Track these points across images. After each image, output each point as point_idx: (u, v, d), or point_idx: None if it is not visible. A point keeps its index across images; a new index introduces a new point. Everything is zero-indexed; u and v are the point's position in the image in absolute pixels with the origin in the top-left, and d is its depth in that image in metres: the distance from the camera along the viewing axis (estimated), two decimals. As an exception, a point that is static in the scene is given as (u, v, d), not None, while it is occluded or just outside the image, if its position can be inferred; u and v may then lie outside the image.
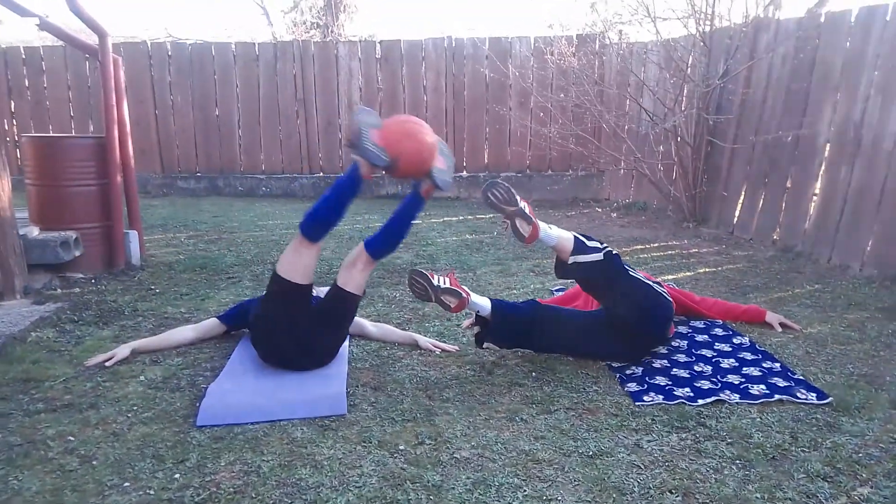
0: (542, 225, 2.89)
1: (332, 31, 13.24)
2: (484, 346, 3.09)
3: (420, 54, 8.52)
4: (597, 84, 7.71)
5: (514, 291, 4.23)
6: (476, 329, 3.10)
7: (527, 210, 2.86)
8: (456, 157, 8.63)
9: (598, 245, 2.94)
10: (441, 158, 2.89)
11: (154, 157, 8.68)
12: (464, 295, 2.90)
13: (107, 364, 2.98)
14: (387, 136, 2.75)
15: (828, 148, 5.21)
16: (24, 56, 8.66)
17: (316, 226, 2.86)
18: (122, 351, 3.05)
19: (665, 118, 6.53)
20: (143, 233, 5.02)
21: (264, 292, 2.99)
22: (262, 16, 15.28)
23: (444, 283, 2.90)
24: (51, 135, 7.56)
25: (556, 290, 4.16)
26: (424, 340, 3.23)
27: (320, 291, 3.20)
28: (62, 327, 3.52)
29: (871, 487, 2.06)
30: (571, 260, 2.90)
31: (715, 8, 6.14)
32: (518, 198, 2.86)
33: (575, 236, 2.94)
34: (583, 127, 7.68)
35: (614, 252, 2.97)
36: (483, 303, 2.99)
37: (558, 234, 2.93)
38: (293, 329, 2.84)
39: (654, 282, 3.21)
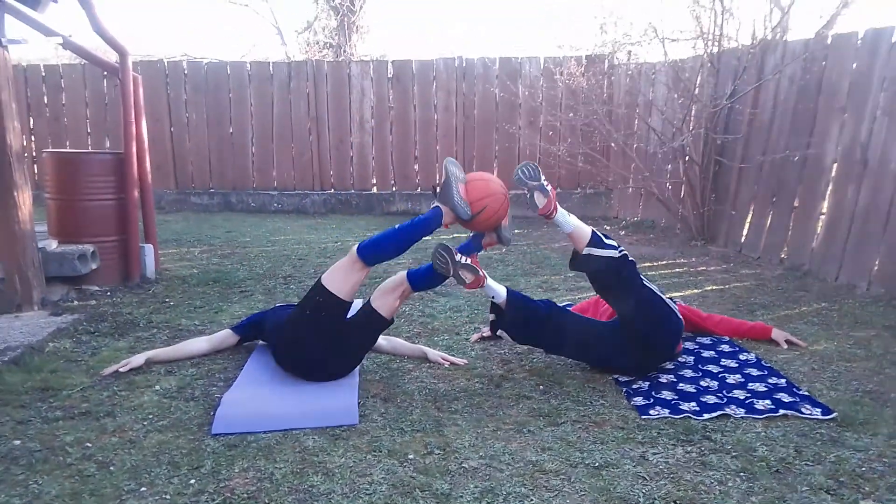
0: (561, 209, 3.02)
1: (344, 51, 13.44)
2: (497, 333, 3.18)
3: (431, 74, 8.65)
4: (606, 104, 7.80)
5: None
6: (491, 317, 3.18)
7: (547, 187, 3.00)
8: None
9: (615, 244, 3.00)
10: (508, 221, 3.08)
11: (168, 174, 8.83)
12: (481, 273, 2.97)
13: (121, 370, 3.05)
14: (471, 191, 2.93)
15: (835, 168, 5.25)
16: (43, 74, 8.86)
17: (377, 254, 2.95)
18: (137, 359, 3.12)
19: (673, 137, 6.60)
20: (158, 247, 5.11)
21: (301, 300, 3.04)
22: (277, 35, 15.50)
23: (465, 261, 2.97)
24: (71, 150, 7.72)
25: (566, 306, 4.19)
26: (434, 353, 3.28)
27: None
28: (79, 338, 3.59)
29: (875, 501, 2.08)
30: (585, 251, 2.99)
31: (723, 29, 6.23)
32: (542, 177, 3.03)
33: (593, 230, 3.04)
34: (592, 146, 7.76)
35: (630, 258, 3.03)
36: (498, 289, 3.08)
37: (576, 223, 3.03)
38: (322, 340, 2.90)
39: (667, 298, 3.25)
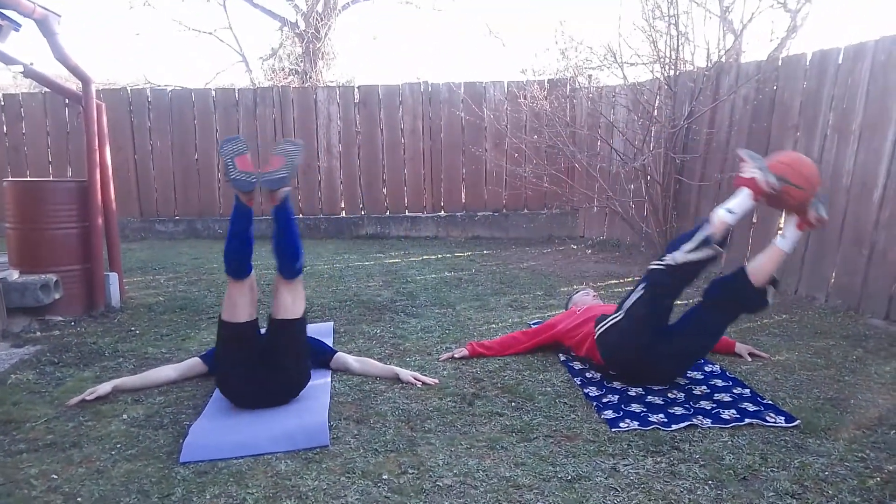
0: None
1: (310, 78, 13.49)
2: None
3: (397, 99, 8.73)
4: (569, 126, 7.96)
5: (493, 326, 4.31)
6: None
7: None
8: (433, 197, 8.81)
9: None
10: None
11: (132, 202, 8.71)
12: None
13: (87, 398, 2.99)
14: (773, 165, 2.96)
15: (790, 184, 5.42)
16: (2, 103, 8.72)
17: (229, 263, 2.93)
18: (104, 387, 3.06)
19: (634, 158, 6.76)
20: (122, 275, 5.04)
21: (216, 345, 3.02)
22: (241, 63, 15.48)
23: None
24: (32, 179, 7.58)
25: (533, 323, 4.25)
26: (405, 373, 3.28)
27: (308, 329, 3.21)
28: (42, 369, 3.52)
29: (837, 503, 2.15)
30: (770, 297, 3.14)
31: (679, 53, 6.43)
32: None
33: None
34: (556, 167, 7.91)
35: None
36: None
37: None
38: (251, 368, 2.87)
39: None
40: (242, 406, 2.93)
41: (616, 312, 3.26)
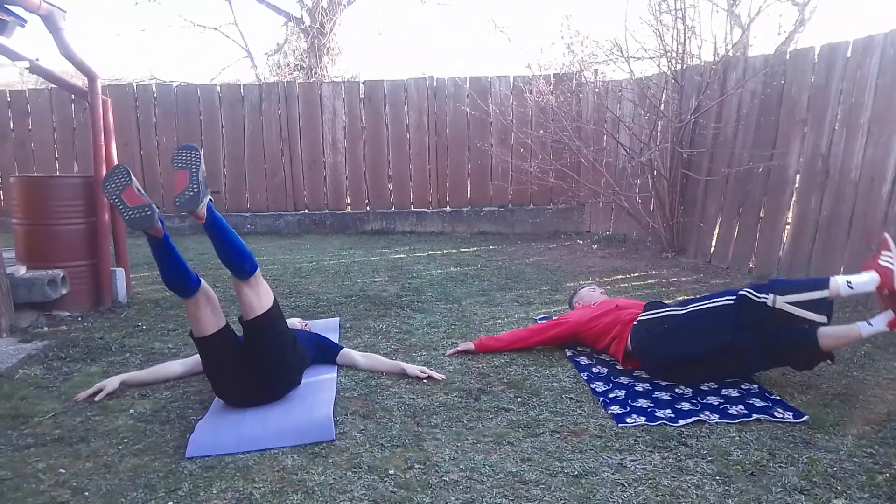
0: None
1: (315, 73, 13.48)
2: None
3: (403, 94, 8.72)
4: (575, 121, 7.93)
5: (499, 321, 4.31)
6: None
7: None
8: (439, 192, 8.80)
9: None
10: None
11: (139, 197, 8.71)
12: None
13: (96, 398, 3.00)
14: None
15: (798, 179, 5.40)
16: (9, 99, 8.74)
17: (173, 285, 2.80)
18: (112, 383, 3.08)
19: (641, 152, 6.73)
20: (129, 270, 5.05)
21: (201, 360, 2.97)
22: (247, 58, 15.48)
23: None
24: (39, 175, 7.60)
25: (540, 319, 4.24)
26: (412, 368, 3.28)
27: (315, 325, 3.17)
28: (50, 364, 3.53)
29: (846, 499, 2.13)
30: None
31: (686, 47, 6.39)
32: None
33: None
34: (562, 162, 7.88)
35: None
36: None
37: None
38: (239, 374, 2.84)
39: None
40: (242, 408, 2.90)
41: (677, 307, 3.22)
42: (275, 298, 2.93)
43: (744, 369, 3.16)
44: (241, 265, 2.83)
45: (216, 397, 3.00)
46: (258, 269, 2.88)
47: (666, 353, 3.17)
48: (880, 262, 2.90)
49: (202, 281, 2.83)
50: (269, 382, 2.92)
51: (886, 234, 2.98)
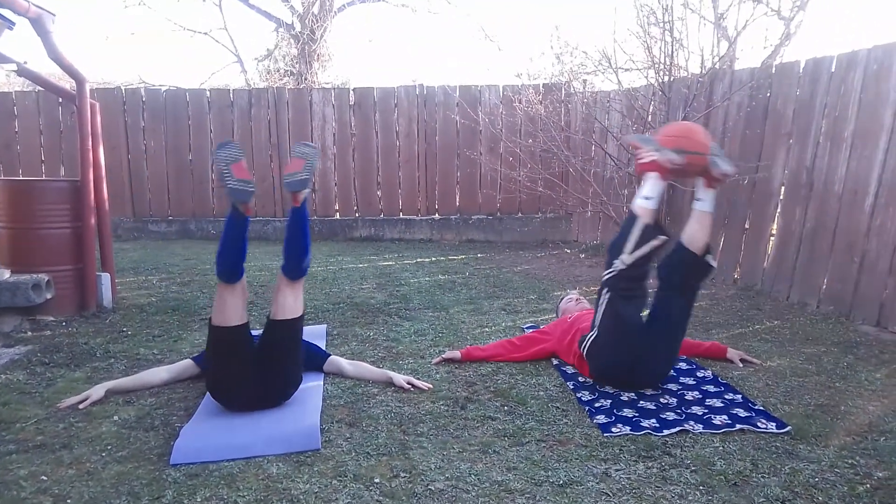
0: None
1: (305, 79, 13.47)
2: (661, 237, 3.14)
3: (392, 101, 8.74)
4: (563, 130, 7.98)
5: (487, 329, 4.32)
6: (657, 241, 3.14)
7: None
8: (428, 200, 8.82)
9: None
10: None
11: (125, 202, 8.68)
12: (685, 159, 3.05)
13: (81, 406, 2.97)
14: (665, 141, 3.07)
15: (783, 191, 5.46)
16: (-5, 101, 8.67)
17: (222, 265, 2.86)
18: (97, 392, 3.05)
19: (629, 163, 6.77)
20: (115, 275, 5.01)
21: (206, 349, 2.98)
22: (236, 63, 15.45)
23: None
24: (25, 178, 7.55)
25: (527, 328, 4.26)
26: (399, 378, 3.28)
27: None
28: (33, 369, 3.50)
29: (827, 510, 2.16)
30: (709, 258, 3.15)
31: (673, 59, 6.46)
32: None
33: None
34: (551, 171, 7.93)
35: None
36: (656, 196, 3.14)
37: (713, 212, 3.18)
38: (245, 371, 2.85)
39: None
40: (234, 410, 2.92)
41: (591, 330, 3.28)
42: (305, 309, 3.02)
43: (675, 326, 3.17)
44: (298, 264, 3.00)
45: (201, 403, 2.98)
46: (304, 277, 3.03)
47: (616, 373, 3.22)
48: (642, 161, 3.15)
49: (244, 275, 2.92)
50: (270, 387, 2.92)
51: (628, 137, 3.21)
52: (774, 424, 2.77)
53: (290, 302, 2.94)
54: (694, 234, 3.15)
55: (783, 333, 4.25)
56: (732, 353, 3.68)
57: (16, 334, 4.09)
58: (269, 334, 2.94)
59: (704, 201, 3.17)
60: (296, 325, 2.97)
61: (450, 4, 22.03)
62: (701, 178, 3.18)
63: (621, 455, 2.53)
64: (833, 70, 5.02)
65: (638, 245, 3.08)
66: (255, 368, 2.87)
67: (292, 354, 2.98)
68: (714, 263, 3.18)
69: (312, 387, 3.18)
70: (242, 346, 2.89)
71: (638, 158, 3.17)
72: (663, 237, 3.10)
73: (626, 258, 3.10)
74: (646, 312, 3.23)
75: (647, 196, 3.13)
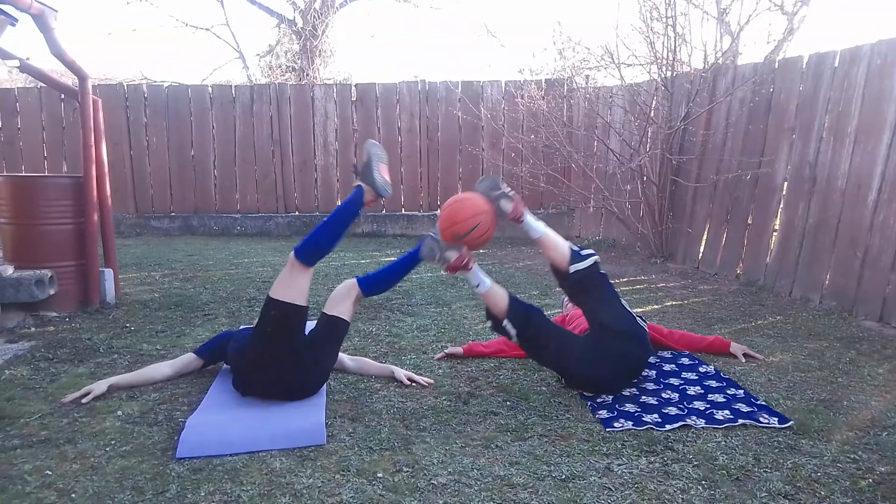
0: (529, 214, 3.16)
1: (307, 75, 13.46)
2: (504, 325, 3.13)
3: (394, 97, 8.73)
4: (565, 126, 7.96)
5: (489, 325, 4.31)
6: (488, 323, 3.23)
7: (511, 193, 3.13)
8: (430, 196, 8.82)
9: (590, 251, 3.16)
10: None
11: (128, 198, 8.69)
12: (465, 254, 3.07)
13: (84, 400, 2.98)
14: (462, 210, 3.08)
15: (785, 186, 5.45)
16: (-2, 97, 8.68)
17: (311, 249, 2.97)
18: (100, 386, 3.05)
19: (631, 158, 6.77)
20: (118, 271, 5.02)
21: (257, 323, 3.00)
22: (238, 59, 15.43)
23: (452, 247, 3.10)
24: (28, 174, 7.55)
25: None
26: (401, 372, 3.29)
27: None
28: (37, 365, 3.51)
29: (830, 504, 2.16)
30: (573, 269, 3.08)
31: (676, 54, 6.45)
32: (504, 185, 3.16)
33: (570, 247, 3.13)
34: (553, 167, 7.91)
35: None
36: (485, 277, 3.15)
37: (545, 231, 3.16)
38: (290, 355, 2.89)
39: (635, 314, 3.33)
40: (254, 392, 2.94)
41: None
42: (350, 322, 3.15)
43: (601, 310, 3.14)
44: (379, 287, 3.25)
45: (205, 397, 2.99)
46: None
47: (571, 376, 3.20)
48: (447, 268, 3.17)
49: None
50: (303, 376, 2.96)
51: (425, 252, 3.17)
52: (777, 419, 2.77)
53: (350, 308, 3.09)
54: (551, 257, 3.16)
55: (786, 329, 4.24)
56: (736, 348, 3.68)
57: (19, 330, 4.10)
58: (323, 326, 3.04)
59: (531, 229, 3.15)
60: (345, 327, 3.10)
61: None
62: (508, 220, 3.17)
63: (623, 450, 2.53)
64: (836, 65, 5.00)
65: (514, 320, 3.11)
66: (300, 353, 2.91)
67: (333, 353, 3.11)
68: (580, 266, 3.10)
69: (315, 382, 3.18)
70: (294, 326, 2.93)
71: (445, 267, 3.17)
72: (525, 312, 3.13)
73: (512, 334, 3.14)
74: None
75: (475, 286, 3.18)
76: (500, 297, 3.14)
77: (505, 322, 3.12)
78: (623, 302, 3.21)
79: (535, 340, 3.15)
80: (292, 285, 2.92)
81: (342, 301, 3.06)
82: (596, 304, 3.14)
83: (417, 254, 3.18)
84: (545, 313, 3.16)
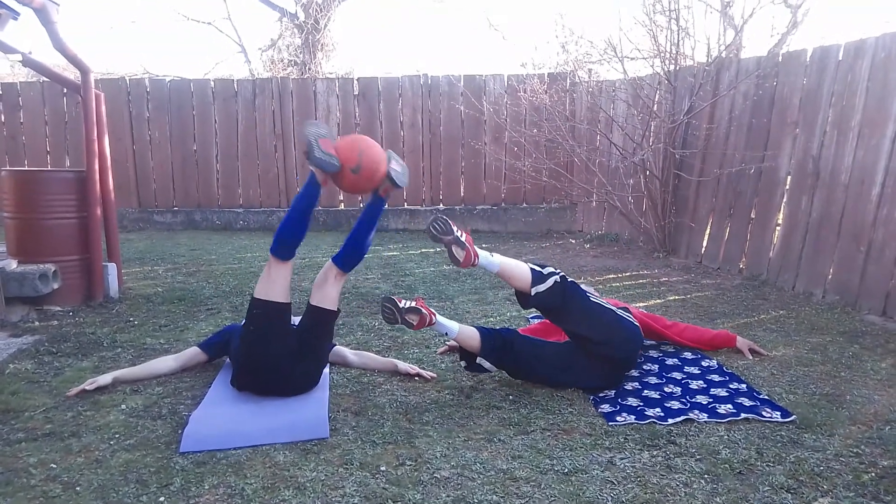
0: (481, 252, 3.04)
1: (309, 69, 13.44)
2: (478, 362, 3.11)
3: (397, 91, 8.72)
4: (568, 120, 7.95)
5: (492, 319, 4.32)
6: (462, 363, 3.19)
7: (462, 238, 3.02)
8: (432, 190, 8.81)
9: (553, 270, 3.08)
10: (395, 162, 3.06)
11: (130, 192, 8.70)
12: (425, 312, 3.00)
13: (87, 388, 2.99)
14: (341, 146, 2.94)
15: (788, 180, 5.44)
16: (0, 92, 8.68)
17: (281, 241, 2.93)
18: (104, 378, 3.07)
19: (634, 152, 6.76)
20: (121, 266, 5.03)
21: (243, 324, 3.02)
22: (240, 53, 15.42)
23: (410, 304, 3.00)
24: (31, 168, 7.57)
25: (533, 318, 4.26)
26: (404, 365, 3.29)
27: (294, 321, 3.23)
28: (41, 359, 3.52)
29: (832, 498, 2.16)
30: (534, 291, 3.02)
31: (679, 48, 6.42)
32: (455, 227, 3.03)
33: (531, 268, 3.05)
34: (555, 161, 7.91)
35: (568, 278, 3.10)
36: (450, 324, 3.08)
37: (502, 261, 3.05)
38: (278, 352, 2.88)
39: (620, 307, 3.31)
40: (250, 390, 2.94)
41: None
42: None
43: (577, 311, 3.11)
44: (355, 256, 3.08)
45: (209, 391, 3.00)
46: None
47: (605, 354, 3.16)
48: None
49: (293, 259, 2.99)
50: (298, 368, 2.94)
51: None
52: (779, 413, 2.77)
53: (332, 292, 3.00)
54: (515, 285, 3.07)
55: (789, 323, 4.24)
56: (742, 343, 3.65)
57: (23, 324, 4.11)
58: (308, 318, 3.00)
59: (488, 265, 3.04)
60: (332, 318, 3.03)
61: (454, -7, 21.88)
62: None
63: (626, 444, 2.54)
64: (840, 58, 4.99)
65: (489, 356, 3.08)
66: (287, 350, 2.90)
67: (321, 348, 3.07)
68: (541, 287, 3.01)
69: (318, 376, 3.19)
70: (280, 325, 2.92)
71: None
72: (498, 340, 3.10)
73: (491, 369, 3.13)
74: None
75: (443, 334, 3.13)
76: (470, 338, 3.09)
77: (479, 359, 3.10)
78: (602, 304, 3.18)
79: (517, 365, 3.14)
80: (271, 282, 2.91)
81: (322, 284, 3.00)
82: (572, 321, 3.10)
83: (377, 200, 3.07)
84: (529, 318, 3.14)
